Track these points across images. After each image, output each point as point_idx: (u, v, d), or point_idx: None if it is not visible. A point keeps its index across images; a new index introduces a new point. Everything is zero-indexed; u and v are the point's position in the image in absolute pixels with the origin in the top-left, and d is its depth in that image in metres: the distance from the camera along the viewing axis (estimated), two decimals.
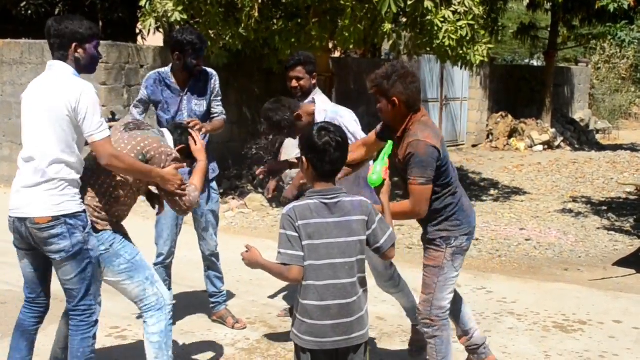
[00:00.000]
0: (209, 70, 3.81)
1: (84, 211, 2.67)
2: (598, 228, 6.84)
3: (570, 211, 7.63)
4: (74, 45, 2.66)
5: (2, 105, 8.50)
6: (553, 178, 10.02)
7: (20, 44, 8.35)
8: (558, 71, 15.94)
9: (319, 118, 3.30)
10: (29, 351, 2.86)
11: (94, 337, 2.75)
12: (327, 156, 2.26)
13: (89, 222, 2.68)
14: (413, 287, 4.63)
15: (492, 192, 8.93)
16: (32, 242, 2.66)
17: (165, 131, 2.95)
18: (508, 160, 12.04)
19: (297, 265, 2.22)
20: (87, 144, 2.66)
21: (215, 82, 3.79)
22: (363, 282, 2.33)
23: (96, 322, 2.75)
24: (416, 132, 2.75)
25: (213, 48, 7.30)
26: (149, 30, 7.77)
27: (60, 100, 2.58)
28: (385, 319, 4.04)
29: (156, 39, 11.05)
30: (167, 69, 3.75)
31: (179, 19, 7.10)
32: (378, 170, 2.55)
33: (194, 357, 3.47)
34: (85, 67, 2.73)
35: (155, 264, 3.70)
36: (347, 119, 3.32)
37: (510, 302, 4.40)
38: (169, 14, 7.05)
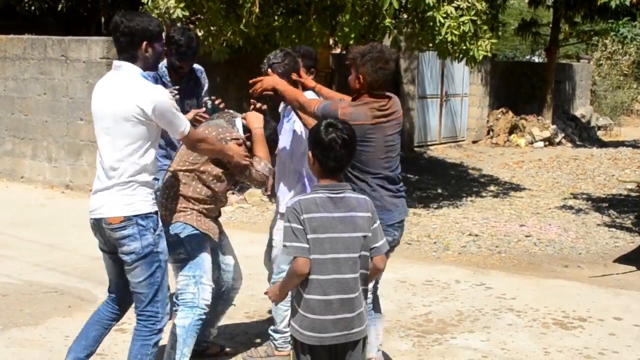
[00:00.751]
0: (196, 66, 3.75)
1: (156, 212, 2.68)
2: (598, 225, 6.83)
3: (571, 208, 7.63)
4: (144, 44, 2.62)
5: (5, 100, 8.52)
6: (554, 174, 10.01)
7: (23, 40, 8.36)
8: (559, 67, 15.90)
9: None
10: (95, 342, 2.83)
11: (155, 345, 2.69)
12: (332, 153, 2.28)
13: (160, 224, 2.70)
14: (413, 282, 4.65)
15: (492, 188, 8.93)
16: (110, 243, 2.67)
17: (237, 120, 3.16)
18: (508, 156, 12.03)
19: (303, 257, 2.22)
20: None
21: (204, 77, 3.75)
22: (364, 279, 2.34)
23: (160, 330, 2.70)
24: (346, 102, 2.94)
25: (214, 44, 7.31)
26: None
27: (132, 104, 2.55)
28: (383, 314, 4.03)
29: None
30: (163, 66, 3.67)
31: (180, 16, 7.09)
32: None
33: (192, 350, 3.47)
34: (152, 66, 2.72)
35: None
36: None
37: (509, 298, 4.40)
38: (171, 11, 7.04)
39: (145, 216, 2.61)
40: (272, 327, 3.37)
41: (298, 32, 7.21)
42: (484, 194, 8.44)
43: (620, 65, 20.78)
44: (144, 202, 2.62)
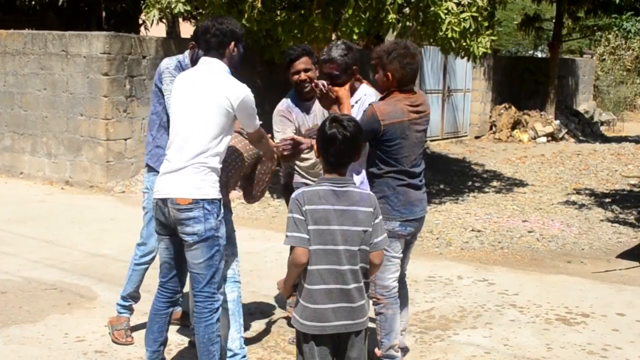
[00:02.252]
0: None
1: (220, 199, 2.80)
2: (602, 220, 6.80)
3: (574, 203, 7.59)
4: (232, 43, 2.85)
5: (5, 96, 8.50)
6: (556, 170, 9.97)
7: (23, 35, 8.33)
8: (562, 63, 15.83)
9: (357, 96, 3.26)
10: (160, 333, 2.95)
11: (218, 321, 2.83)
12: (332, 148, 2.32)
13: (222, 210, 2.81)
14: (415, 279, 4.61)
15: (494, 183, 8.89)
16: (172, 224, 2.75)
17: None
18: (511, 152, 11.99)
19: (301, 247, 2.27)
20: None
21: None
22: (365, 273, 2.36)
23: (218, 309, 2.83)
24: (380, 102, 3.00)
25: None
26: (152, 22, 7.72)
27: (222, 95, 2.74)
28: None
29: (159, 30, 11.00)
30: (186, 58, 3.50)
31: (182, 10, 7.07)
32: None
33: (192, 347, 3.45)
34: (235, 65, 2.91)
35: (141, 263, 3.53)
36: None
37: (512, 294, 4.37)
38: (173, 5, 7.02)
39: (212, 201, 2.74)
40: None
41: (300, 28, 7.17)
42: (486, 190, 8.41)
43: (623, 60, 20.70)
44: (212, 187, 2.75)
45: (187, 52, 3.48)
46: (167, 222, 2.77)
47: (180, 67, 3.48)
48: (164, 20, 10.85)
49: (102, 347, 3.42)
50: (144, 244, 3.51)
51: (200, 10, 7.57)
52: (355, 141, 2.35)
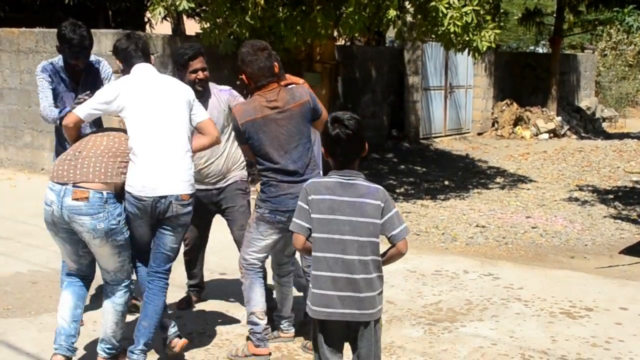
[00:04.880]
0: (96, 58, 3.66)
1: None
2: (604, 216, 6.87)
3: (577, 199, 7.66)
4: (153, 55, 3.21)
5: (22, 93, 8.59)
6: (559, 166, 10.03)
7: (34, 33, 8.42)
8: (564, 58, 15.84)
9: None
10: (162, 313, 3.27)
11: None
12: (338, 147, 2.41)
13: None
14: (422, 272, 4.70)
15: (498, 180, 8.96)
16: (161, 217, 3.00)
17: None
18: (513, 148, 12.04)
19: (300, 235, 2.42)
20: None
21: (104, 68, 3.66)
22: (378, 266, 2.41)
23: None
24: (240, 103, 3.40)
25: (221, 36, 7.32)
26: (158, 19, 7.78)
27: (181, 92, 3.09)
28: (395, 302, 4.11)
29: (164, 28, 11.07)
30: (60, 61, 3.55)
31: (187, 8, 7.11)
32: None
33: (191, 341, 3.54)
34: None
35: None
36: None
37: (517, 288, 4.45)
38: (177, 3, 7.06)
39: (195, 194, 3.10)
40: (275, 313, 3.54)
41: (302, 24, 7.22)
42: (490, 186, 8.48)
43: (625, 56, 20.65)
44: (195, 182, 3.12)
45: (60, 56, 3.56)
46: (152, 214, 2.97)
47: (56, 72, 3.56)
48: (169, 18, 10.90)
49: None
50: None
51: (204, 7, 7.61)
52: (358, 136, 2.43)
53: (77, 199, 2.84)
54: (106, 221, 2.86)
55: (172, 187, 2.95)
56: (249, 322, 3.29)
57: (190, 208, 3.02)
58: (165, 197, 2.94)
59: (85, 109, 3.05)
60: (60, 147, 3.69)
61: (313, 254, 2.40)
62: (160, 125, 2.99)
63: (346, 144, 2.38)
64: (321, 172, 3.33)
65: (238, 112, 3.17)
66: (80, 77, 3.59)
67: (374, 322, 2.42)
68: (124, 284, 3.10)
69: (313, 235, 2.39)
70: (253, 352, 3.26)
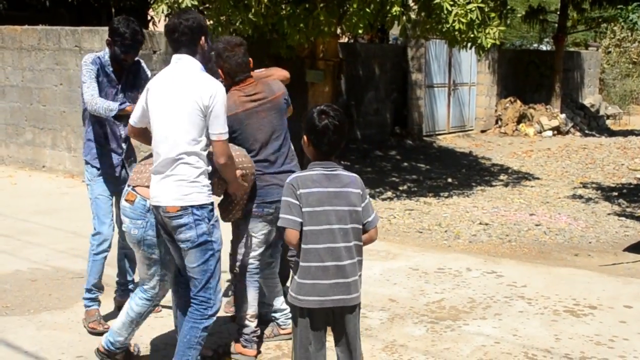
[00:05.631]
0: (137, 59, 3.64)
1: (212, 203, 2.79)
2: (608, 214, 6.85)
3: (580, 197, 7.64)
4: (202, 38, 2.81)
5: (24, 91, 8.61)
6: (563, 164, 10.01)
7: (37, 31, 8.43)
8: (567, 55, 15.80)
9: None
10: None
11: (205, 329, 2.82)
12: (325, 138, 2.46)
13: (215, 214, 2.81)
14: (425, 270, 4.69)
15: (501, 177, 8.94)
16: (169, 230, 2.79)
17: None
18: (517, 145, 12.02)
19: (292, 229, 2.42)
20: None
21: (143, 68, 3.67)
22: (359, 250, 2.51)
23: (211, 316, 2.83)
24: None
25: (224, 34, 7.31)
26: (161, 17, 7.77)
27: (194, 93, 2.70)
28: (397, 300, 4.11)
29: None
30: (105, 55, 3.54)
31: (190, 5, 7.09)
32: None
33: None
34: (208, 59, 2.93)
35: (99, 252, 3.63)
36: None
37: (520, 286, 4.44)
38: (180, 0, 7.05)
39: (201, 207, 2.73)
40: (268, 309, 3.54)
41: (305, 21, 7.21)
42: (493, 183, 8.46)
43: (629, 53, 20.60)
44: (200, 193, 2.74)
45: (107, 49, 3.53)
46: (162, 226, 2.80)
47: (102, 66, 3.53)
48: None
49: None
50: (98, 233, 3.61)
51: (208, 5, 7.60)
52: (344, 128, 2.50)
53: (126, 200, 2.87)
54: (142, 229, 2.81)
55: (159, 198, 2.75)
56: (239, 324, 3.29)
57: (182, 221, 2.70)
58: (157, 207, 2.76)
59: (134, 114, 2.96)
60: (94, 142, 3.60)
61: (303, 246, 2.44)
62: (161, 130, 2.78)
63: (333, 134, 2.45)
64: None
65: None
66: (122, 74, 3.60)
67: (357, 306, 2.52)
68: (148, 294, 2.99)
69: (304, 228, 2.43)
70: (240, 351, 3.26)
